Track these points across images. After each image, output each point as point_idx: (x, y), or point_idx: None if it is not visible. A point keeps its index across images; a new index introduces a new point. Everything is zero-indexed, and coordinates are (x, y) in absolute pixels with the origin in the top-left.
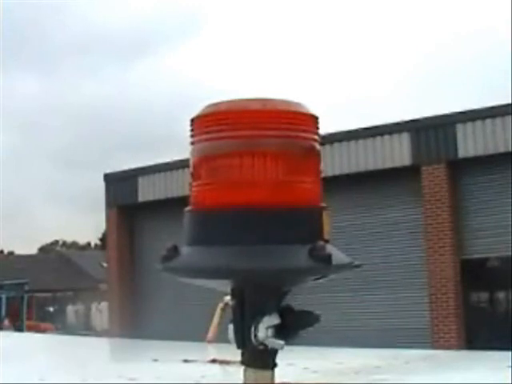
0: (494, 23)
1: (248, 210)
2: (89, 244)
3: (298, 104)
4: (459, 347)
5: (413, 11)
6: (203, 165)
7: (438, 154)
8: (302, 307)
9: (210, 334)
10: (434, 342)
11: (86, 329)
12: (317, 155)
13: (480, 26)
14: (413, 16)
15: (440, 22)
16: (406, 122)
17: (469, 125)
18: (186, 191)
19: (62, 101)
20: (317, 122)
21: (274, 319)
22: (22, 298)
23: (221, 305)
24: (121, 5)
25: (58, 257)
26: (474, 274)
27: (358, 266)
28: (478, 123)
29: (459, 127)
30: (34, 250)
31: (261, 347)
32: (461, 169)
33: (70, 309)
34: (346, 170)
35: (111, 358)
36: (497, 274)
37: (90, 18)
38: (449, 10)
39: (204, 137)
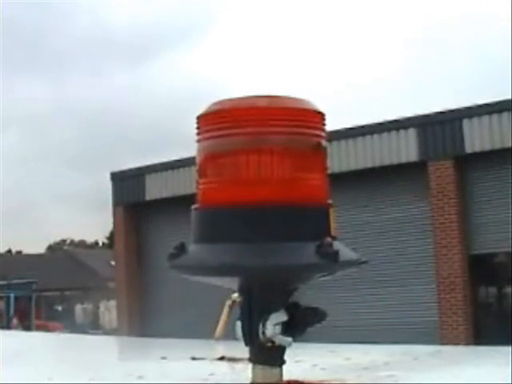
0: (497, 18)
1: (254, 208)
2: (96, 243)
3: (304, 101)
4: (467, 343)
5: (414, 5)
6: (209, 162)
7: (444, 150)
8: (308, 303)
9: (218, 332)
10: (442, 337)
11: (94, 327)
12: (323, 152)
13: (483, 22)
14: (416, 11)
15: (443, 18)
16: (413, 118)
17: (475, 120)
18: (193, 189)
19: (69, 100)
20: (323, 119)
21: (281, 316)
22: (31, 297)
23: (228, 302)
24: (127, 5)
25: (66, 256)
26: (482, 269)
27: (364, 263)
28: (485, 118)
29: (466, 122)
30: (42, 249)
31: (269, 344)
32: (468, 164)
33: (78, 307)
34: (352, 167)
35: (120, 356)
36: (505, 269)
37: (96, 16)
38: (451, 3)
39: (210, 134)
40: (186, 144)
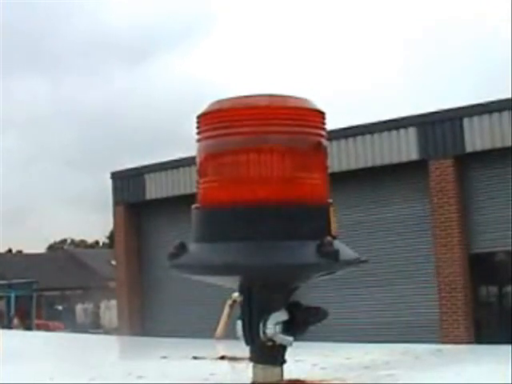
0: (497, 18)
1: (255, 207)
2: (97, 242)
3: (304, 100)
4: (468, 342)
5: (414, 5)
6: (209, 162)
7: (445, 149)
8: (309, 303)
9: (219, 331)
10: (443, 336)
11: (95, 327)
12: (324, 151)
13: (483, 22)
14: (416, 11)
15: (443, 18)
16: (413, 117)
17: (476, 119)
18: (193, 188)
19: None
20: (323, 118)
21: (282, 315)
22: (31, 296)
23: (229, 302)
24: (126, 5)
25: (66, 255)
26: (483, 268)
27: (364, 262)
28: (485, 117)
29: (466, 121)
30: (42, 249)
31: (269, 343)
32: (468, 163)
33: (79, 307)
34: (353, 166)
35: (120, 355)
36: (505, 268)
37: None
38: (451, 3)
39: (210, 134)
40: (185, 145)
